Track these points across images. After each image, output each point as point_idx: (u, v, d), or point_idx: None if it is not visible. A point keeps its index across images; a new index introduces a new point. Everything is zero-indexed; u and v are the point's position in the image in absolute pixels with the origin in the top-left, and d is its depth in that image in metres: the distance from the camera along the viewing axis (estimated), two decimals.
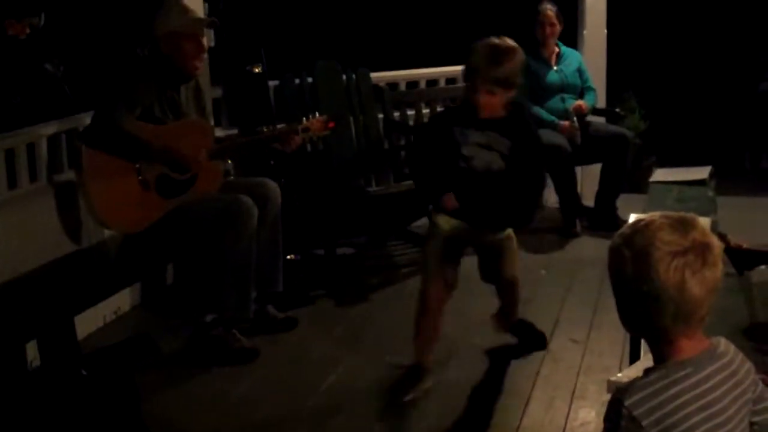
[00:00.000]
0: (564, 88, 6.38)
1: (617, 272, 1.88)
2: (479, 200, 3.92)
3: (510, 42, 3.88)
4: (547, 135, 6.13)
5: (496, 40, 3.87)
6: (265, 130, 5.01)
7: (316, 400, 4.01)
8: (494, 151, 3.89)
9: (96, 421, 3.09)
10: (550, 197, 6.77)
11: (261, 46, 5.57)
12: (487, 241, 4.14)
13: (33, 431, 3.21)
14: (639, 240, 1.85)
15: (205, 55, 4.73)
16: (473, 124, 3.89)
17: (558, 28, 6.40)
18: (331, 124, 4.79)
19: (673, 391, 1.81)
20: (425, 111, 6.47)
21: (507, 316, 4.44)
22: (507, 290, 4.34)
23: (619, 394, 1.85)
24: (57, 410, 3.04)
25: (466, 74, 3.93)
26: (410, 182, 5.88)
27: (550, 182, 6.49)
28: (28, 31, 4.71)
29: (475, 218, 3.98)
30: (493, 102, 3.86)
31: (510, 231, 4.17)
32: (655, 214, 1.91)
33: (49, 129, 4.76)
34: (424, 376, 4.05)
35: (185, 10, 4.54)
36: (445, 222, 4.00)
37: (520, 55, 3.87)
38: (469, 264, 4.30)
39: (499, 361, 4.33)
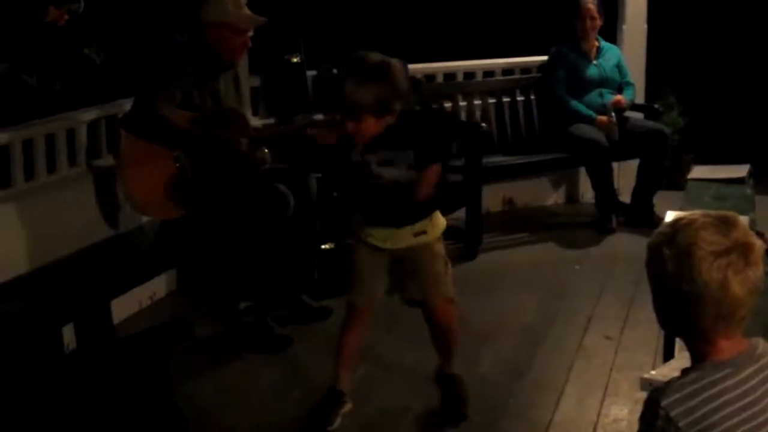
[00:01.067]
0: (603, 82, 6.35)
1: (657, 271, 1.87)
2: (390, 208, 3.58)
3: (377, 60, 3.43)
4: (584, 130, 6.12)
5: (361, 60, 3.44)
6: (303, 120, 5.03)
7: (349, 389, 4.02)
8: (400, 166, 3.49)
9: (129, 405, 3.12)
10: (586, 192, 6.74)
11: (299, 36, 5.57)
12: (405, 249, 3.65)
13: (68, 413, 3.24)
14: (680, 239, 1.83)
15: None
16: (364, 148, 3.48)
17: (598, 22, 6.36)
18: None
19: (711, 392, 1.80)
20: (462, 103, 6.45)
21: (441, 359, 3.89)
22: (432, 319, 3.81)
23: (655, 394, 1.83)
24: (92, 393, 3.08)
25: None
26: (446, 174, 5.89)
27: (586, 177, 6.48)
28: (67, 17, 4.73)
29: (388, 219, 3.61)
30: (363, 129, 3.40)
31: (435, 240, 3.69)
32: (695, 213, 1.90)
33: (89, 115, 4.80)
34: (344, 399, 3.77)
35: (240, 5, 4.56)
36: (367, 235, 3.65)
37: (393, 75, 3.38)
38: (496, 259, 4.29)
39: (531, 356, 4.32)
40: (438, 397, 3.85)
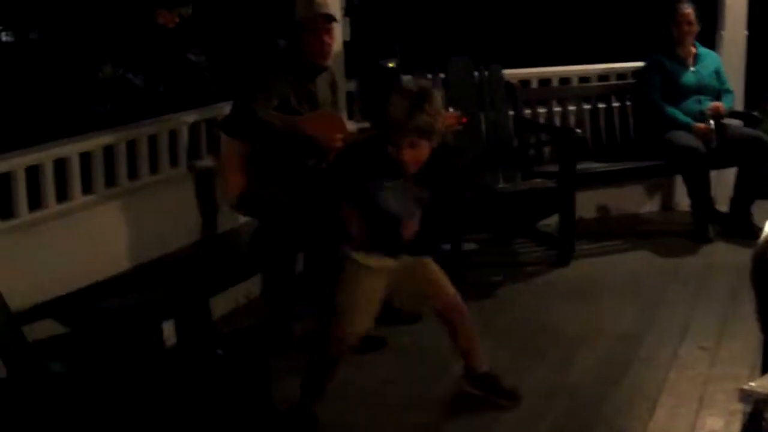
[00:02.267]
0: (700, 89, 6.26)
1: (763, 279, 1.86)
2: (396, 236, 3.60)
3: (423, 84, 3.60)
4: (681, 136, 6.04)
5: (409, 86, 3.63)
6: None
7: (440, 391, 4.06)
8: (412, 201, 3.58)
9: (229, 401, 3.19)
10: (682, 200, 6.65)
11: (396, 41, 5.62)
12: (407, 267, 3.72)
13: (169, 407, 3.33)
14: None
15: (333, 50, 4.79)
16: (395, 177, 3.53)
17: (695, 27, 6.27)
18: (464, 120, 4.80)
19: None
20: (556, 109, 6.43)
21: (467, 360, 3.93)
22: (452, 315, 3.84)
23: (759, 406, 1.82)
24: (193, 388, 3.16)
25: (386, 129, 3.53)
26: (539, 180, 5.89)
27: (681, 185, 6.39)
28: (177, 20, 4.87)
29: (392, 247, 3.63)
30: (419, 156, 3.46)
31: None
32: None
33: (191, 117, 4.93)
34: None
35: (309, 3, 4.61)
36: (363, 259, 3.63)
37: (438, 98, 3.51)
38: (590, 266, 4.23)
39: (624, 364, 4.28)
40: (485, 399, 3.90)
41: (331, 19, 4.63)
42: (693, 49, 6.33)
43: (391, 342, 4.54)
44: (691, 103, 6.21)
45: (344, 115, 5.31)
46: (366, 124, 5.76)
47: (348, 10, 5.72)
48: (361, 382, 4.16)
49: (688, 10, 6.24)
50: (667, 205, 6.91)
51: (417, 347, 4.51)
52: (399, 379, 4.20)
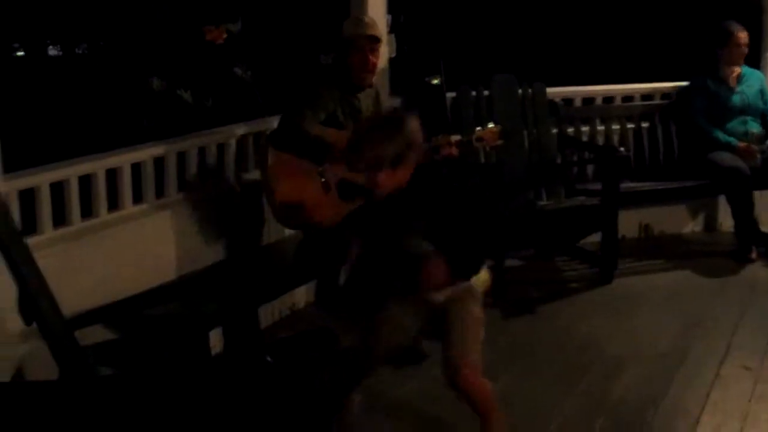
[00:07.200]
0: (745, 110, 6.24)
1: None
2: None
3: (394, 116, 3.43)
4: (725, 157, 6.02)
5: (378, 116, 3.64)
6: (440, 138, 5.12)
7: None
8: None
9: (278, 409, 3.23)
10: (725, 221, 6.62)
11: (440, 59, 5.67)
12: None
13: (216, 413, 3.38)
14: None
15: (378, 68, 4.86)
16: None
17: (746, 51, 6.26)
18: (500, 132, 4.84)
19: None
20: (600, 128, 6.44)
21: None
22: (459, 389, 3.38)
23: None
24: (242, 395, 3.20)
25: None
26: (582, 198, 5.91)
27: (725, 205, 6.37)
28: (225, 36, 4.95)
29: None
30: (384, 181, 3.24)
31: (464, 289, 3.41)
32: None
33: (239, 130, 5.01)
34: None
35: (357, 23, 4.75)
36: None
37: (404, 129, 3.21)
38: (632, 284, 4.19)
39: (666, 382, 4.27)
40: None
41: (376, 39, 4.73)
42: (737, 70, 6.32)
43: (432, 356, 4.55)
44: (736, 124, 6.20)
45: None
46: None
47: (393, 27, 5.79)
48: (400, 394, 4.19)
49: (743, 33, 6.23)
50: (711, 225, 6.88)
51: None
52: (436, 394, 4.18)
